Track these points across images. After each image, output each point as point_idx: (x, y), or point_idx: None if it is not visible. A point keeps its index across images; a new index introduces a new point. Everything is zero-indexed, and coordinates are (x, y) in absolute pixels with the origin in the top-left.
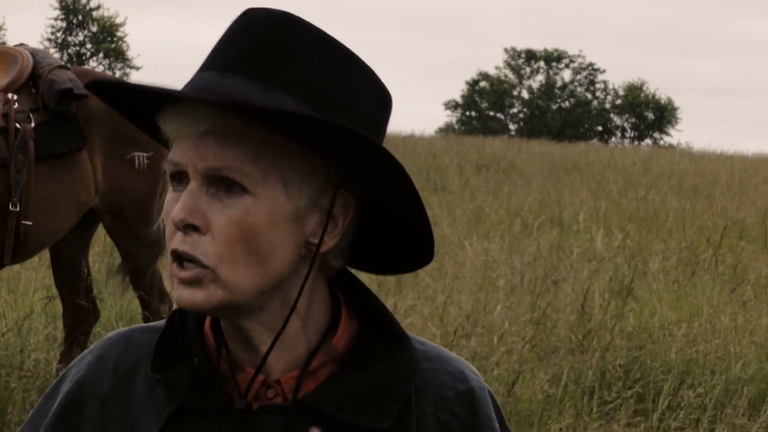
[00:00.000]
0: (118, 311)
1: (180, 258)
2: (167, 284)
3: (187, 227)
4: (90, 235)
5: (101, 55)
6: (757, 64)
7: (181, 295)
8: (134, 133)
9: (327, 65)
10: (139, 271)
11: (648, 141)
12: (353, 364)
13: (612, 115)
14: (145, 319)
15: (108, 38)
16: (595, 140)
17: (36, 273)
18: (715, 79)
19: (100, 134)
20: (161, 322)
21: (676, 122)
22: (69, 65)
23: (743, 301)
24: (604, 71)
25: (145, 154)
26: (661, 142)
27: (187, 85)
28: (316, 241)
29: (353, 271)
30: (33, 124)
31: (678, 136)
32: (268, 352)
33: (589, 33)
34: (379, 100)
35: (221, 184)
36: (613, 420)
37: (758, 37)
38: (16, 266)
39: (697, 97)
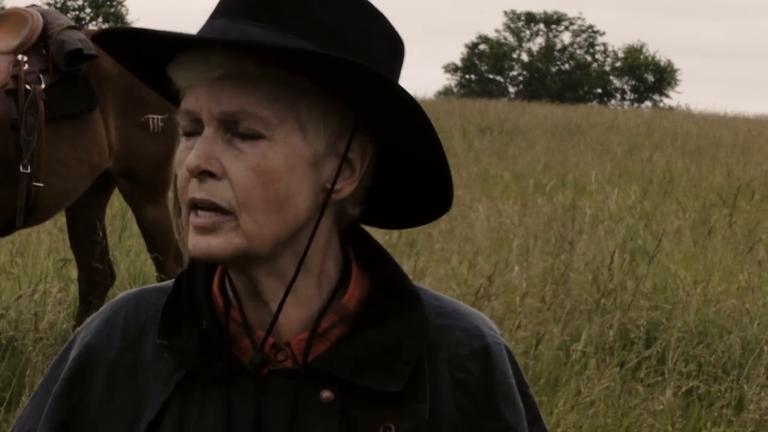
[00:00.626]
0: (132, 273)
1: (196, 207)
2: (180, 243)
3: (203, 174)
4: (106, 198)
5: (100, 19)
6: (756, 27)
7: (195, 243)
8: (148, 95)
9: (339, 9)
10: (154, 233)
11: (648, 103)
12: (364, 324)
13: (612, 77)
14: (161, 282)
15: (107, 2)
16: (594, 103)
17: (49, 237)
18: (714, 42)
19: (114, 96)
20: (170, 283)
21: (676, 84)
22: (79, 26)
23: (758, 261)
24: (603, 33)
25: (159, 117)
26: (661, 105)
27: (199, 33)
28: (331, 186)
29: (367, 228)
30: (43, 86)
31: (678, 98)
32: (279, 309)
33: None
34: (392, 45)
35: (236, 128)
36: (633, 379)
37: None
38: (27, 230)
39: (696, 59)
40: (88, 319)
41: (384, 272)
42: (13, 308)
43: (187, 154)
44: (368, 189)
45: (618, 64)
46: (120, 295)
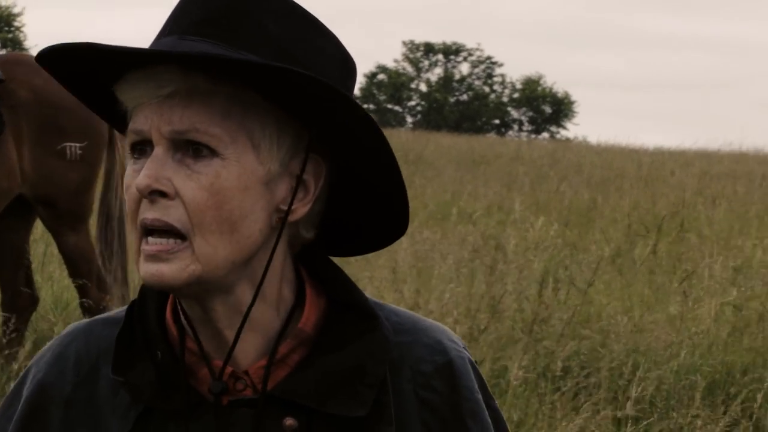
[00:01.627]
0: (54, 300)
1: (148, 232)
2: (102, 269)
3: (154, 193)
4: (31, 222)
5: None
6: (653, 59)
7: (147, 270)
8: (66, 123)
9: (291, 27)
10: (75, 259)
11: (545, 134)
12: (323, 347)
13: (509, 108)
14: (84, 308)
15: (5, 28)
16: (492, 133)
17: None
18: (611, 74)
19: (28, 124)
20: (120, 313)
21: (573, 116)
22: None
23: (683, 291)
24: (502, 65)
25: (77, 144)
26: (558, 136)
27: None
28: (288, 207)
29: None
30: None
31: (575, 129)
32: (236, 338)
33: (488, 27)
34: (344, 65)
35: (187, 148)
36: (573, 411)
37: (654, 32)
38: None
39: (593, 91)
40: (37, 354)
41: (341, 292)
42: None
43: (135, 177)
44: (321, 213)
45: (516, 95)
46: (69, 327)
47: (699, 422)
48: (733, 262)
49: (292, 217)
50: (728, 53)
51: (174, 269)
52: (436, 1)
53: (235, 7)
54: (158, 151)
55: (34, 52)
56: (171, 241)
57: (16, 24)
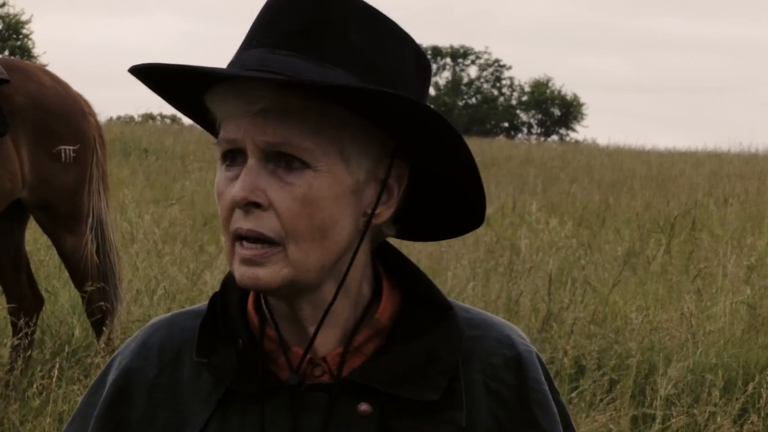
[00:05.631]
0: (72, 304)
1: (242, 237)
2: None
3: (249, 204)
4: (24, 225)
5: (7, 52)
6: (662, 61)
7: (244, 273)
8: (59, 127)
9: (374, 36)
10: (75, 261)
11: (554, 137)
12: (398, 337)
13: (518, 111)
14: (91, 315)
15: (13, 36)
16: (502, 136)
17: None
18: (620, 76)
19: (25, 129)
20: (202, 306)
21: (582, 118)
22: None
23: (697, 289)
24: (510, 68)
25: (71, 147)
26: (568, 138)
27: (234, 64)
28: (372, 211)
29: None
30: None
31: (584, 132)
32: (316, 333)
33: (496, 29)
34: (420, 66)
35: (280, 160)
36: (590, 407)
37: (662, 34)
38: None
39: (602, 93)
40: (123, 345)
41: (416, 285)
42: None
43: (228, 185)
44: (401, 209)
45: (524, 98)
46: (153, 319)
47: (717, 419)
48: (747, 260)
49: (376, 220)
50: (736, 54)
51: (269, 272)
52: (442, 5)
53: (320, 19)
54: (251, 162)
55: (43, 60)
56: (266, 247)
57: (24, 32)
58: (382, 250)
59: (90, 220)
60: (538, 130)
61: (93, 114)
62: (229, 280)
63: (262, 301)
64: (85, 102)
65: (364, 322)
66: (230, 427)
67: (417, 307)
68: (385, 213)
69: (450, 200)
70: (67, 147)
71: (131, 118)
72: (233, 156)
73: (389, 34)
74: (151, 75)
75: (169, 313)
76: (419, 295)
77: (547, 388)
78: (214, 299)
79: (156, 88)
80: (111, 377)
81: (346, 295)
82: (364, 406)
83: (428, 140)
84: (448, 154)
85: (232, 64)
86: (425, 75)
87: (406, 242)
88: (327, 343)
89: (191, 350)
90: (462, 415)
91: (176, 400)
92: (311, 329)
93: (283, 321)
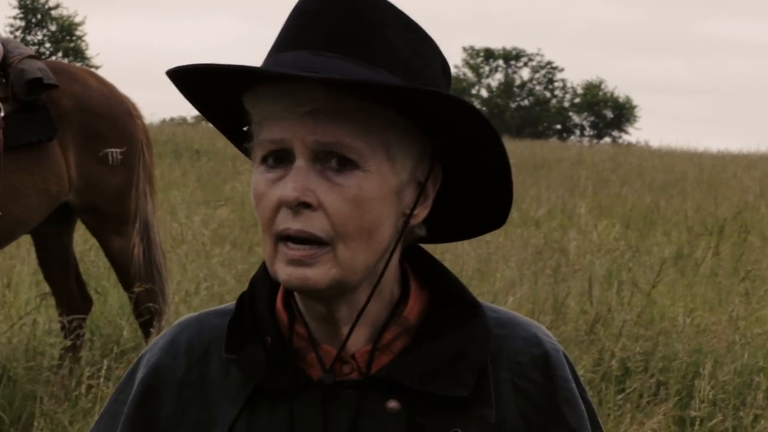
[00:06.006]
0: (120, 305)
1: (288, 238)
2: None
3: (299, 205)
4: (72, 228)
5: (60, 54)
6: (715, 63)
7: (292, 273)
8: (104, 130)
9: (408, 39)
10: (122, 263)
11: (607, 139)
12: (426, 335)
13: (571, 113)
14: (139, 315)
15: (67, 37)
16: (554, 138)
17: (27, 267)
18: (673, 78)
19: (72, 132)
20: (230, 306)
21: (635, 120)
22: (40, 55)
23: (745, 292)
24: (562, 69)
25: (118, 150)
26: (620, 140)
27: (269, 65)
28: (410, 212)
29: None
30: (2, 114)
31: (637, 134)
32: (349, 334)
33: (548, 32)
34: (444, 71)
35: (328, 159)
36: (636, 409)
37: (715, 37)
38: (9, 260)
39: (654, 95)
40: (151, 342)
41: (444, 284)
42: (3, 338)
43: (270, 186)
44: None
45: (577, 100)
46: (180, 318)
47: (761, 422)
48: None
49: (413, 221)
50: None
51: (318, 273)
52: (495, 7)
53: (361, 21)
54: (300, 162)
55: (96, 62)
56: (314, 247)
57: (77, 33)
58: (410, 250)
59: (136, 222)
60: (591, 132)
61: (139, 116)
62: (256, 279)
63: (293, 299)
64: (132, 104)
65: (393, 320)
66: (259, 425)
67: (445, 306)
68: (421, 214)
69: (479, 200)
70: (113, 150)
71: (184, 119)
72: (278, 157)
73: (419, 38)
74: (188, 75)
75: (197, 313)
76: (447, 294)
77: (574, 386)
78: (242, 298)
79: (189, 89)
80: (139, 375)
81: (379, 296)
82: (393, 403)
83: (468, 140)
84: (485, 154)
85: (267, 65)
86: (449, 80)
87: (452, 245)
88: (356, 341)
89: (219, 348)
90: (491, 412)
91: (205, 397)
92: (345, 329)
93: (314, 321)
